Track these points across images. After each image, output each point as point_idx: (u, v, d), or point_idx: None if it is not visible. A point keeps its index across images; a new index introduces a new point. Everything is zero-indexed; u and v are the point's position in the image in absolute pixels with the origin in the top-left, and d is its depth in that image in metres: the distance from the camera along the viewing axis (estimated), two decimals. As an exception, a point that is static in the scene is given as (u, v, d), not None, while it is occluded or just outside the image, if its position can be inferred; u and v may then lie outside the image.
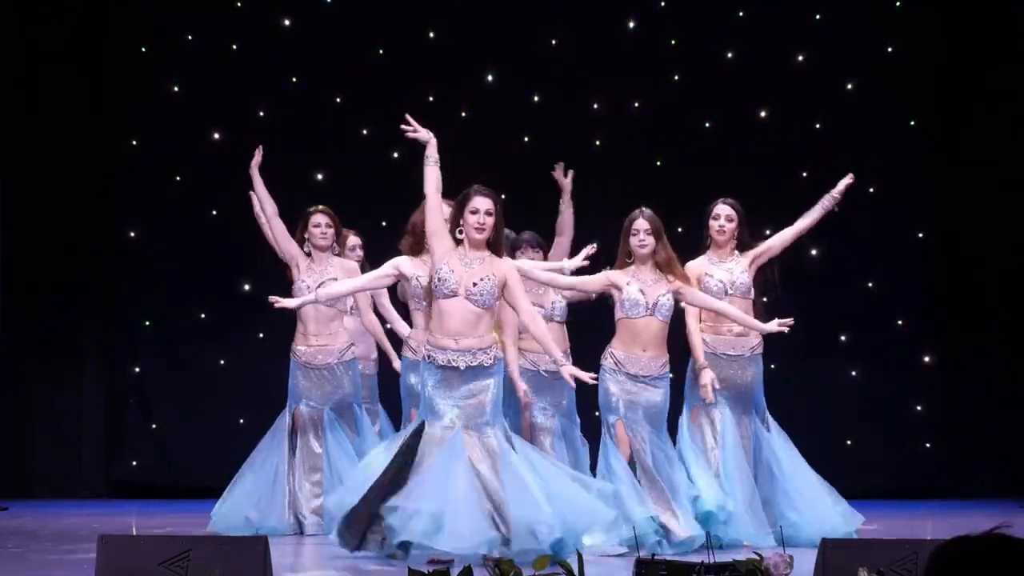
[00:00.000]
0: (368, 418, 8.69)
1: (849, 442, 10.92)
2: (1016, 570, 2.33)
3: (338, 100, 11.11)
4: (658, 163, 11.10)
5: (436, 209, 6.91)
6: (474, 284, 6.75)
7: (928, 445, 10.90)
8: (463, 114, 11.05)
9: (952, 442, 10.88)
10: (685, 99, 11.02)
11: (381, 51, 11.08)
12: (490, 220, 6.82)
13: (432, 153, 6.91)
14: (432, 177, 6.89)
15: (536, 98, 11.09)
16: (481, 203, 6.82)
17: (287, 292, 7.91)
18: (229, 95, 11.07)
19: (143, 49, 11.06)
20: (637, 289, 7.32)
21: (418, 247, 7.68)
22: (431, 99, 11.03)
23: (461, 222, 6.83)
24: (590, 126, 11.08)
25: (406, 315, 8.31)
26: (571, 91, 11.00)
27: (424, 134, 6.92)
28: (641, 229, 7.35)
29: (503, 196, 10.62)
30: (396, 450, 6.79)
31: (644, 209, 7.41)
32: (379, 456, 6.92)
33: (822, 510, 7.57)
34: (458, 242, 6.85)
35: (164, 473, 11.04)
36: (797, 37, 11.04)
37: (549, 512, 6.54)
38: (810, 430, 11.01)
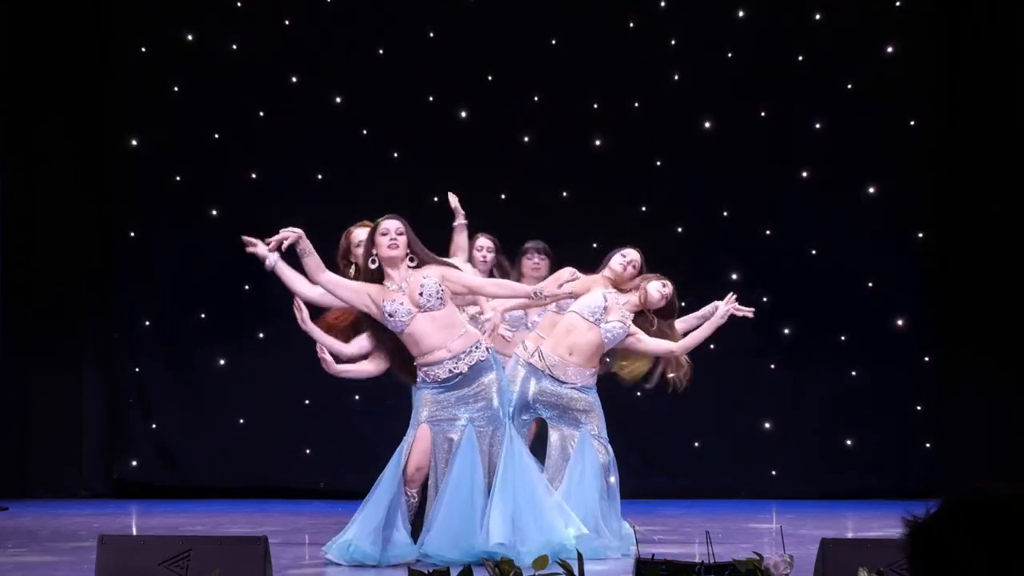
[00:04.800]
0: None
1: (849, 442, 10.91)
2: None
3: (338, 100, 11.10)
4: (658, 163, 11.09)
5: (341, 282, 6.77)
6: (419, 294, 6.64)
7: (928, 445, 10.90)
8: (463, 114, 11.04)
9: (952, 442, 10.86)
10: (685, 99, 11.02)
11: (381, 51, 11.08)
12: (402, 239, 6.70)
13: (304, 247, 6.64)
14: (313, 266, 6.66)
15: (536, 98, 11.08)
16: (390, 224, 6.72)
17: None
18: (229, 95, 11.07)
19: (143, 49, 11.06)
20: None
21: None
22: (431, 99, 11.03)
23: (374, 251, 6.69)
24: (590, 126, 11.07)
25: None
26: (571, 91, 10.99)
27: (273, 244, 6.68)
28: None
29: (502, 196, 10.75)
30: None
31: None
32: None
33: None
34: (380, 276, 6.70)
35: (164, 473, 11.03)
36: (797, 37, 11.03)
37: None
38: (810, 430, 11.04)
